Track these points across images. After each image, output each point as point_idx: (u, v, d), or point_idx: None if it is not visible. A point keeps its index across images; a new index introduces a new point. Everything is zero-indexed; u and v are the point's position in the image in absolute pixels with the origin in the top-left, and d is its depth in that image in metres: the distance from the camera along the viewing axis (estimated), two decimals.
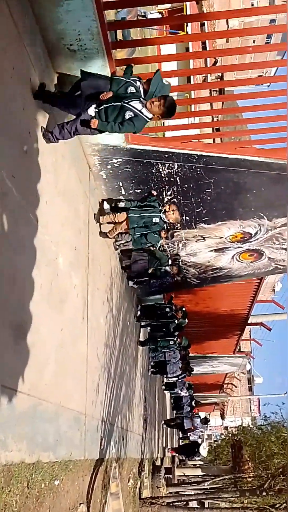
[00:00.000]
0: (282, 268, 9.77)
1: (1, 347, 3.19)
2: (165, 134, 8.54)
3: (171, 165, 6.85)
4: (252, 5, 31.04)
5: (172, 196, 7.46)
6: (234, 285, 11.80)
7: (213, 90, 18.57)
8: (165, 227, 7.62)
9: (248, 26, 21.76)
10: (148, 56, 6.86)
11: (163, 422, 16.77)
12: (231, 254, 9.13)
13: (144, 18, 10.73)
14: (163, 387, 17.89)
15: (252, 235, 8.39)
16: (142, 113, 4.68)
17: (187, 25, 14.41)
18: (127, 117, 4.63)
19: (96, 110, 4.60)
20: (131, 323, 10.30)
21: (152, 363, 13.12)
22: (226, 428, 44.73)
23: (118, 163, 6.61)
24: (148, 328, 12.03)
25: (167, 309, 11.28)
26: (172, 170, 6.95)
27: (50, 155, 4.63)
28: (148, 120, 4.79)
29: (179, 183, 7.21)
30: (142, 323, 11.48)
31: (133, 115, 4.65)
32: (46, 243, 4.33)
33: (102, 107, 4.60)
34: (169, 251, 9.01)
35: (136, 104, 4.66)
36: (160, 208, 7.22)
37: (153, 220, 7.13)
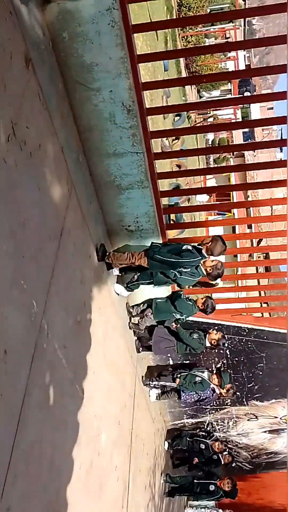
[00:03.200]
0: None
1: None
2: None
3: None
4: None
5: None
6: None
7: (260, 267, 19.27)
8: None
9: None
10: (197, 237, 7.33)
11: None
12: None
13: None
14: None
15: None
16: None
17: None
18: None
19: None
20: None
21: None
22: None
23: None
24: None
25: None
26: None
27: (102, 325, 4.70)
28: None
29: (229, 355, 7.00)
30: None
31: None
32: (90, 417, 4.11)
33: None
34: (218, 429, 8.31)
35: None
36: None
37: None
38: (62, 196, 3.75)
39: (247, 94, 30.03)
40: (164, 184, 9.46)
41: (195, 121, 22.86)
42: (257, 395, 7.48)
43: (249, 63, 36.84)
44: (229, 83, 30.36)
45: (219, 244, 4.73)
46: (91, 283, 4.49)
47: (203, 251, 4.77)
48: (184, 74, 21.60)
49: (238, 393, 7.50)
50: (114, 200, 4.95)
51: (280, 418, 7.88)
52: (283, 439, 8.37)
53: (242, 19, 32.62)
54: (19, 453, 2.64)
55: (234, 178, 22.28)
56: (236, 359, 7.03)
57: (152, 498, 6.74)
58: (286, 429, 8.08)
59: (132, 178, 4.67)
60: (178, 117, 15.63)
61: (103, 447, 4.44)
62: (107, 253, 4.96)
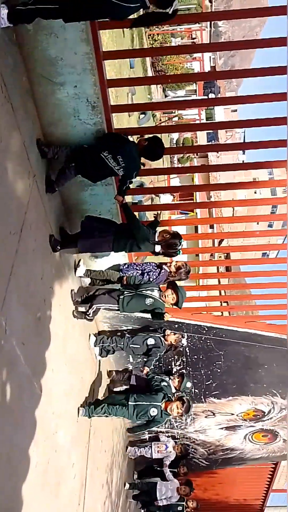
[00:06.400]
0: None
1: None
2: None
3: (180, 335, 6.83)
4: (255, 192, 34.80)
5: (181, 366, 7.28)
6: (247, 469, 10.73)
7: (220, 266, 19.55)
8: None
9: (251, 213, 23.98)
10: None
11: None
12: (243, 433, 8.48)
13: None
14: None
15: (265, 414, 7.91)
16: None
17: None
18: None
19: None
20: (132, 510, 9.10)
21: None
22: None
23: (128, 330, 6.61)
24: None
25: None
26: None
27: (62, 322, 4.66)
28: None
29: (188, 353, 7.11)
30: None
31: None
32: (48, 414, 4.07)
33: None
34: (176, 426, 8.41)
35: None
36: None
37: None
38: (23, 191, 3.69)
39: (211, 95, 30.47)
40: None
41: (160, 120, 22.97)
42: (214, 392, 7.62)
43: (214, 65, 37.31)
44: (194, 84, 30.68)
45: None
46: (52, 280, 4.45)
47: None
48: (150, 72, 21.66)
49: (196, 390, 7.62)
50: (77, 196, 4.91)
51: (237, 415, 8.06)
52: (239, 436, 8.57)
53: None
54: None
55: (198, 179, 22.54)
56: (195, 356, 7.14)
57: (109, 495, 6.76)
58: (242, 426, 8.28)
59: None
60: (143, 115, 15.66)
61: (61, 444, 4.42)
62: None
